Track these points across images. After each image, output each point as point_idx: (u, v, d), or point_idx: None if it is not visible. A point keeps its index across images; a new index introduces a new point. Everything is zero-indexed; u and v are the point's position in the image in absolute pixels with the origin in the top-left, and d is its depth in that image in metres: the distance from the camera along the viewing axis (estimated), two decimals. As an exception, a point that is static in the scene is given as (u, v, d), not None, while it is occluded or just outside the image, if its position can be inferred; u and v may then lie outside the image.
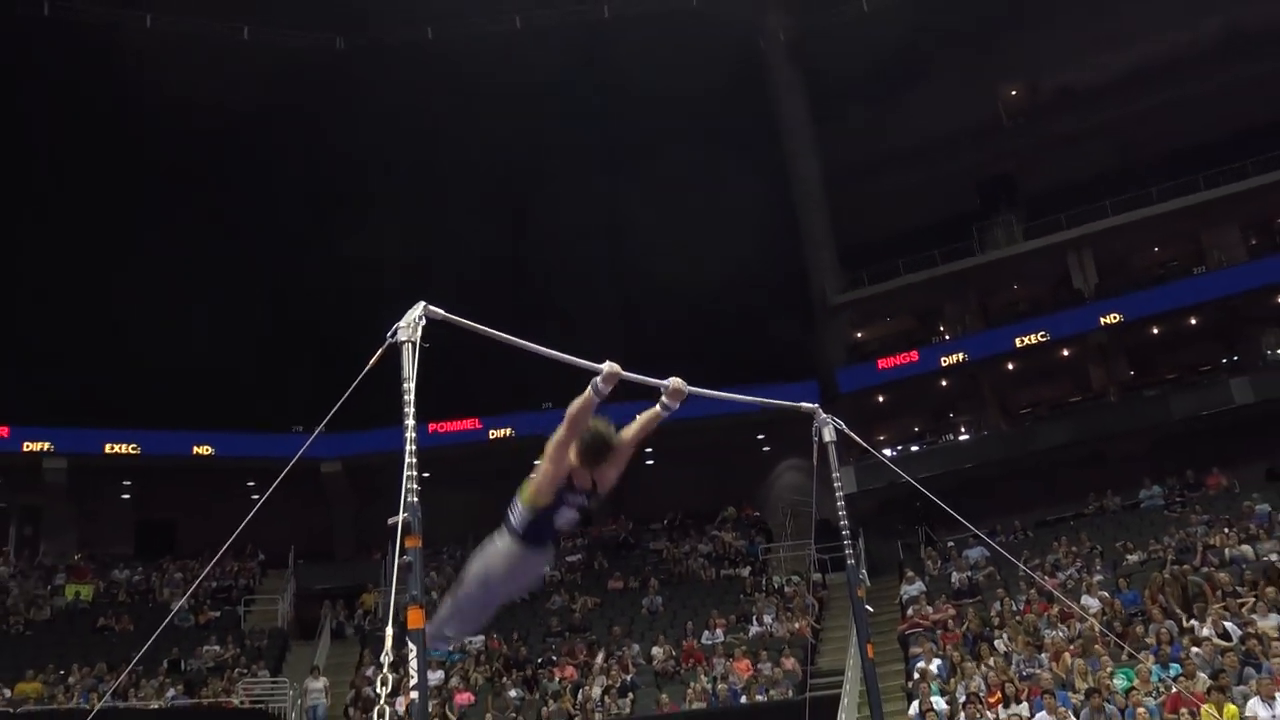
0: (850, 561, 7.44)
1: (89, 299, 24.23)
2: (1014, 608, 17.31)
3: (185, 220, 25.87)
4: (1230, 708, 11.51)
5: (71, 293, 24.27)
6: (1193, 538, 18.18)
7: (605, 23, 28.10)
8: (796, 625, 19.50)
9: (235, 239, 26.42)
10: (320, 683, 19.26)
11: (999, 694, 13.97)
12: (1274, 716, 11.35)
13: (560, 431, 4.81)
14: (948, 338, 27.64)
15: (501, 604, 5.36)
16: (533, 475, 4.99)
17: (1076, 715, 12.45)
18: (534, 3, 27.55)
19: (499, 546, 5.06)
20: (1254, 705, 11.53)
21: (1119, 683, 13.13)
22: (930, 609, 18.49)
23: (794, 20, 29.81)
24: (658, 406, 5.25)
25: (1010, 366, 26.60)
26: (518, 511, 4.98)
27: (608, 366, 4.89)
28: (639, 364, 5.47)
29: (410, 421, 4.32)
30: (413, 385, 4.38)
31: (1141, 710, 11.81)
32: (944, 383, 26.93)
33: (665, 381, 5.31)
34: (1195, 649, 13.44)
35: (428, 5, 27.05)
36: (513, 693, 18.32)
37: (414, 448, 4.27)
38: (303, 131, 27.47)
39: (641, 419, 5.18)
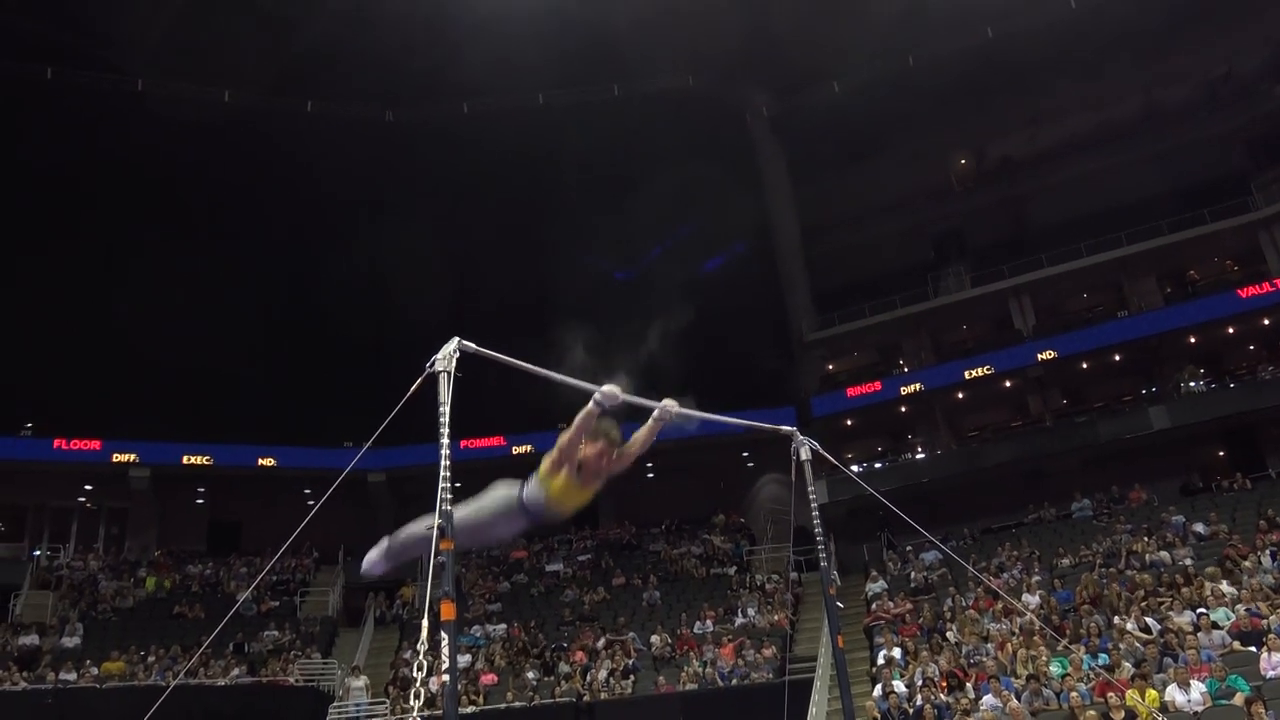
0: (823, 563, 7.39)
1: (171, 331, 24.25)
2: (963, 604, 17.17)
3: (256, 265, 26.01)
4: (1151, 693, 11.41)
5: (156, 324, 24.27)
6: (1118, 544, 18.07)
7: (615, 99, 28.30)
8: (776, 617, 19.36)
9: (298, 282, 26.56)
10: (361, 681, 18.84)
11: (945, 681, 13.86)
12: (1189, 701, 11.23)
13: (568, 432, 4.88)
14: (906, 370, 27.58)
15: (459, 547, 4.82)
16: (544, 463, 5.03)
17: (1018, 698, 12.32)
18: (554, 83, 27.74)
19: (501, 494, 5.06)
20: (1171, 691, 11.41)
21: (1054, 670, 13.00)
22: (891, 604, 18.37)
23: (776, 100, 30.06)
24: (653, 418, 5.30)
25: (960, 395, 26.55)
26: (533, 485, 5.02)
27: (607, 387, 4.89)
28: (641, 391, 5.46)
29: (445, 441, 4.29)
30: (448, 410, 4.35)
31: (1074, 694, 11.69)
32: (903, 409, 26.86)
33: (659, 402, 5.31)
34: (1121, 642, 13.37)
35: (465, 84, 27.21)
36: (531, 674, 18.19)
37: (448, 464, 4.24)
38: (357, 186, 27.61)
39: (644, 429, 5.29)
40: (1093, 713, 10.93)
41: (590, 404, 4.82)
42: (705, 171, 26.38)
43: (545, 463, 5.02)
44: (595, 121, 27.43)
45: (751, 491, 27.34)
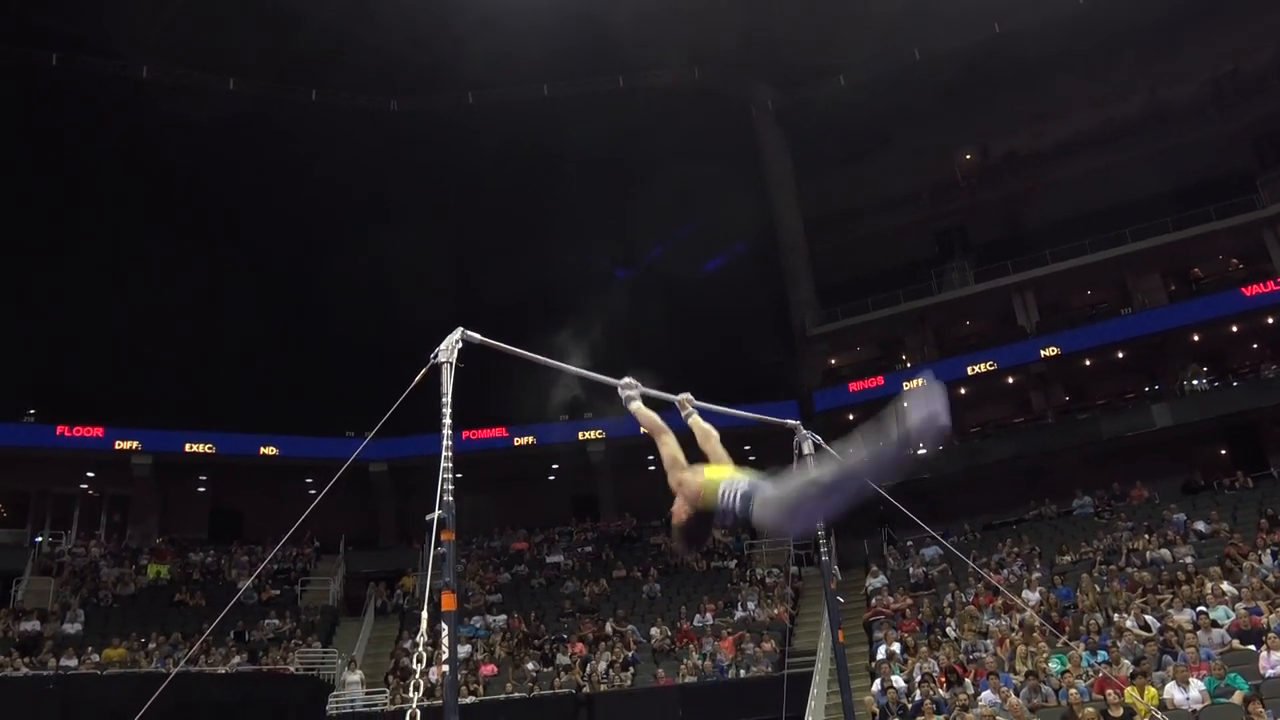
0: (824, 557, 7.39)
1: (175, 319, 24.28)
2: (963, 599, 17.19)
3: (259, 254, 26.05)
4: (1150, 690, 11.40)
5: (159, 312, 24.30)
6: (1118, 542, 18.06)
7: (620, 91, 28.23)
8: (776, 611, 19.38)
9: (301, 271, 26.60)
10: (357, 675, 18.74)
11: (944, 676, 13.87)
12: (1188, 699, 11.23)
13: (661, 444, 4.55)
14: (909, 365, 27.56)
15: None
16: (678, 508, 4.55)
17: (1017, 694, 12.33)
18: (559, 75, 27.69)
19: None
20: (1171, 689, 11.41)
21: (1053, 666, 13.00)
22: (891, 599, 18.37)
23: (781, 94, 30.00)
24: (686, 418, 5.28)
25: (962, 391, 26.48)
26: (727, 500, 4.24)
27: (627, 379, 4.97)
28: (645, 383, 5.51)
29: (447, 432, 4.28)
30: (450, 402, 4.35)
31: (1073, 691, 11.68)
32: (905, 404, 26.83)
33: (677, 396, 5.40)
34: (1120, 639, 13.37)
35: (469, 75, 27.17)
36: (530, 665, 18.21)
37: (450, 455, 4.23)
38: (361, 177, 27.59)
39: (697, 430, 5.07)
40: (1091, 710, 10.93)
41: (628, 406, 4.92)
42: (709, 165, 26.37)
43: (695, 503, 4.41)
44: (599, 114, 27.37)
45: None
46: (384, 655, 20.46)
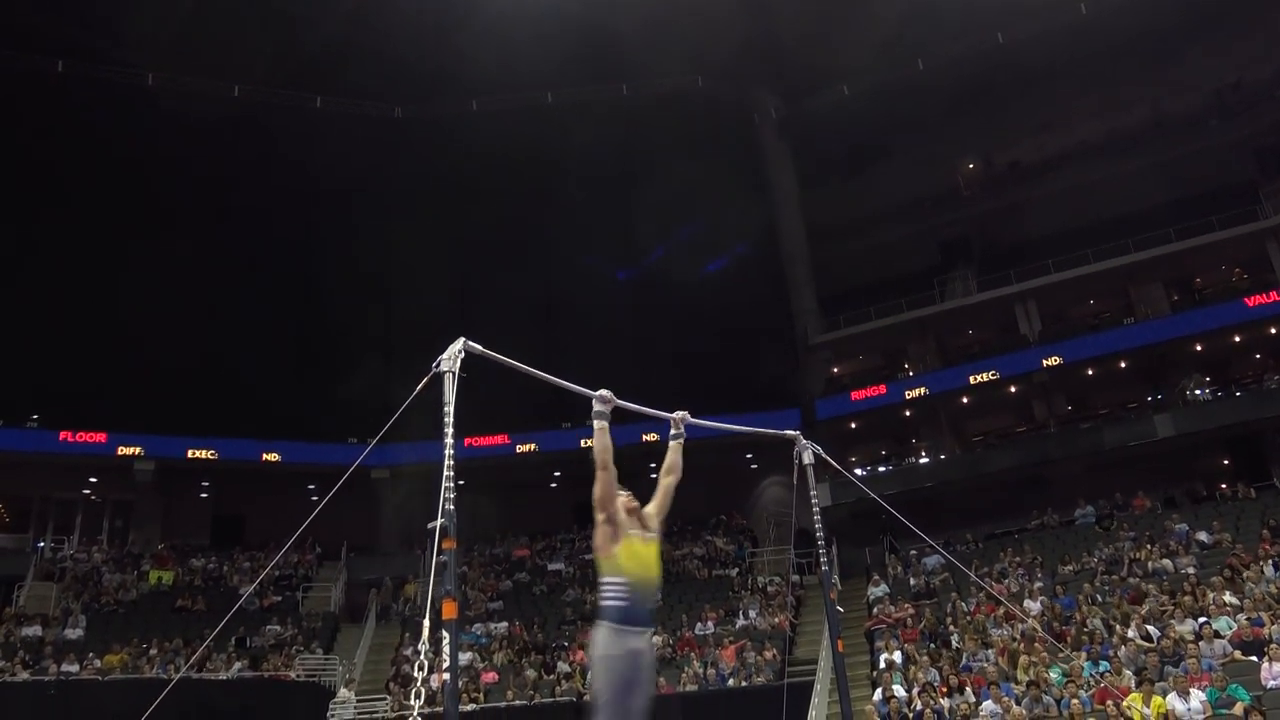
0: (824, 566, 7.40)
1: (178, 329, 24.34)
2: (965, 609, 17.17)
3: (263, 260, 26.14)
4: (1157, 700, 11.37)
5: (162, 318, 24.34)
6: (1120, 552, 18.03)
7: (624, 99, 28.29)
8: (777, 620, 19.35)
9: (304, 277, 26.66)
10: (350, 693, 18.44)
11: (945, 686, 13.85)
12: (1189, 709, 11.21)
13: (598, 479, 4.54)
14: (911, 374, 27.57)
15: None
16: (596, 544, 4.62)
17: (1018, 704, 12.31)
18: (563, 83, 27.76)
19: (600, 644, 4.40)
20: (1171, 699, 11.40)
21: (1055, 676, 13.00)
22: (893, 609, 18.36)
23: (784, 102, 30.07)
24: (673, 436, 5.29)
25: (965, 400, 26.52)
26: (609, 589, 4.46)
27: (602, 391, 4.90)
28: (650, 392, 5.54)
29: (449, 441, 4.30)
30: (452, 411, 4.37)
31: (1075, 701, 11.68)
32: (907, 413, 26.84)
33: (673, 414, 5.39)
34: (1122, 648, 13.35)
35: (473, 82, 27.26)
36: (531, 673, 18.20)
37: (452, 463, 4.25)
38: (365, 183, 27.64)
39: (672, 449, 5.22)
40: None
41: (596, 421, 4.75)
42: (712, 173, 26.42)
43: (599, 553, 4.58)
44: (603, 121, 27.43)
45: (754, 494, 27.33)
46: (385, 662, 20.45)
